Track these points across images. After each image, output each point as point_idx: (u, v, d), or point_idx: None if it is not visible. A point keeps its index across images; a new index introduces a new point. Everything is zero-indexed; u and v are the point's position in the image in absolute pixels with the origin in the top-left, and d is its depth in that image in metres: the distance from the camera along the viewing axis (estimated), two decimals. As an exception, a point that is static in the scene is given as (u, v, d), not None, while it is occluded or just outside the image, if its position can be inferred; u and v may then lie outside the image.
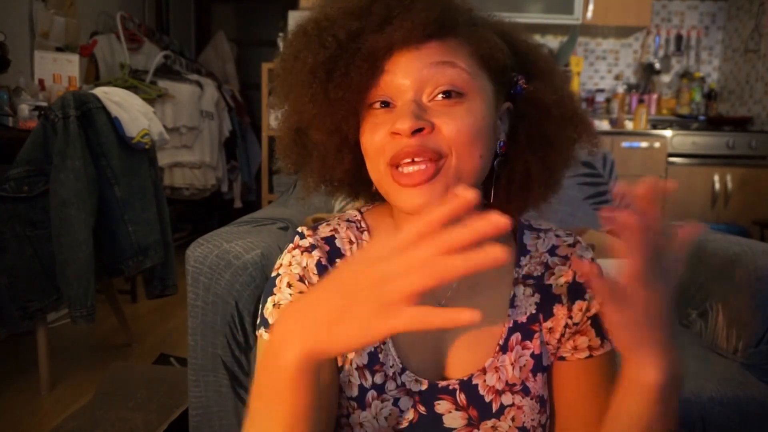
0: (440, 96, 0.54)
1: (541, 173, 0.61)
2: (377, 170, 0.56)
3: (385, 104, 0.55)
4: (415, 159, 0.53)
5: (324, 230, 0.65)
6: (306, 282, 0.61)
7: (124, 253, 1.86)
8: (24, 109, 1.97)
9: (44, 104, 2.02)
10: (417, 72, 0.54)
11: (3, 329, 1.66)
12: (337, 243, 0.63)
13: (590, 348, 0.63)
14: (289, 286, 0.61)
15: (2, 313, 1.66)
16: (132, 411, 1.62)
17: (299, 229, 0.64)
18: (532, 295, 0.63)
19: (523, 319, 0.63)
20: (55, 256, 1.68)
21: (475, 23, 0.58)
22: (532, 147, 0.60)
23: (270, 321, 0.62)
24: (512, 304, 0.63)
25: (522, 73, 0.61)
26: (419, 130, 0.52)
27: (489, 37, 0.57)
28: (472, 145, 0.54)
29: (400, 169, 0.54)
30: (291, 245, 0.63)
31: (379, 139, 0.55)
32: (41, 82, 2.26)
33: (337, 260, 0.62)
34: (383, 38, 0.53)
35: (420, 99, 0.54)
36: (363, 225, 0.66)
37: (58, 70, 2.30)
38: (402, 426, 0.60)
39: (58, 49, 2.61)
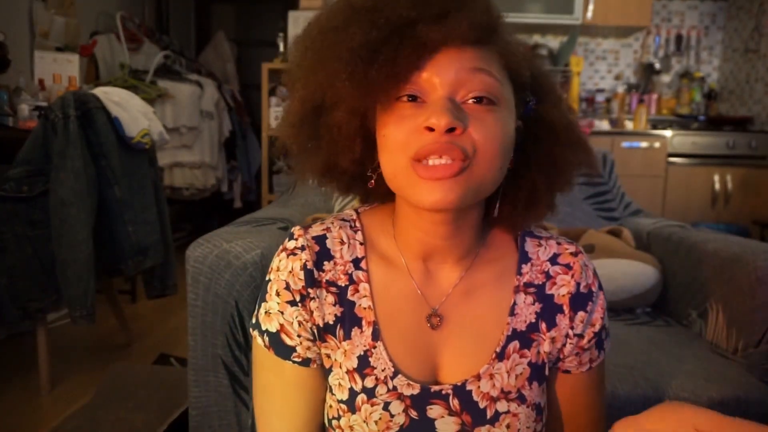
0: (472, 100, 0.53)
1: (545, 193, 0.61)
2: (395, 164, 0.55)
3: (413, 98, 0.54)
4: (443, 156, 0.52)
5: (316, 229, 0.64)
6: (291, 289, 0.61)
7: (124, 253, 1.86)
8: (24, 109, 1.97)
9: (44, 104, 2.02)
10: (454, 73, 0.53)
11: (3, 329, 1.66)
12: (328, 243, 0.63)
13: (590, 361, 0.65)
14: (278, 294, 0.61)
15: (2, 313, 1.65)
16: (132, 411, 1.62)
17: (292, 230, 0.64)
18: (533, 304, 0.63)
19: (522, 327, 0.62)
20: (55, 256, 1.68)
21: (509, 35, 0.58)
22: (539, 167, 0.60)
23: (263, 327, 0.62)
24: (512, 312, 0.62)
25: (533, 94, 0.61)
26: (452, 129, 0.51)
27: (518, 51, 0.57)
28: (497, 155, 0.54)
29: (423, 162, 0.52)
30: (281, 247, 0.63)
31: (404, 133, 0.53)
32: (41, 82, 2.26)
33: (325, 262, 0.62)
34: (438, 32, 0.52)
35: (454, 98, 0.53)
36: (357, 225, 0.65)
37: (58, 70, 2.30)
38: (393, 430, 0.60)
39: (58, 49, 2.60)
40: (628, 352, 1.13)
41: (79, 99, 1.72)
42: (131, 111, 1.89)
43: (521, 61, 0.57)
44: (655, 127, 3.44)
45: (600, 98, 3.79)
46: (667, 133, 3.25)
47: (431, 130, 0.51)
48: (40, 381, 1.78)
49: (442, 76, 0.53)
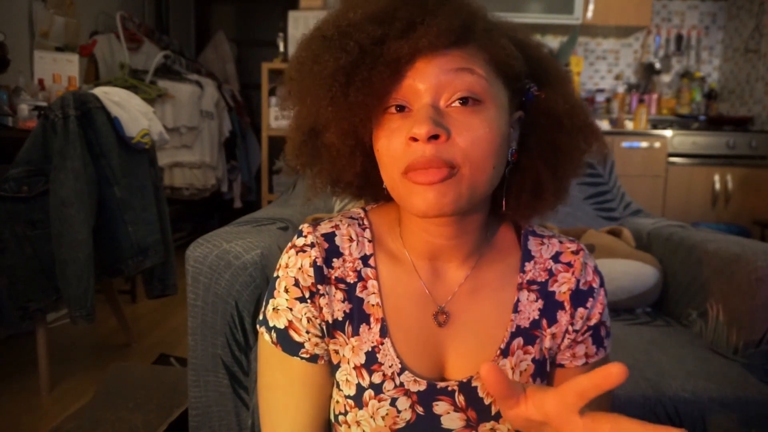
0: (457, 102, 0.53)
1: (551, 182, 0.61)
2: (391, 177, 0.56)
3: (401, 108, 0.55)
4: (429, 169, 0.52)
5: (325, 226, 0.65)
6: (301, 285, 0.61)
7: (123, 253, 1.86)
8: (24, 109, 1.97)
9: (44, 104, 2.02)
10: (435, 77, 0.53)
11: (3, 329, 1.66)
12: (337, 241, 0.63)
13: (586, 355, 0.65)
14: (286, 291, 0.62)
15: (2, 313, 1.65)
16: (132, 411, 1.62)
17: (300, 227, 0.65)
18: (536, 301, 0.64)
19: (525, 324, 0.63)
20: (55, 256, 1.68)
21: (491, 29, 0.58)
22: (543, 156, 0.60)
23: (270, 323, 0.63)
24: (516, 309, 0.63)
25: (534, 80, 0.61)
26: (436, 137, 0.52)
27: (505, 43, 0.57)
28: (486, 157, 0.54)
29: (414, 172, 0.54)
30: (289, 244, 0.64)
31: (395, 146, 0.54)
32: (41, 81, 2.26)
33: (334, 259, 0.62)
34: (407, 45, 0.52)
35: (437, 104, 0.54)
36: (365, 222, 0.66)
37: (58, 70, 2.30)
38: (399, 426, 0.60)
39: (58, 49, 2.61)
40: (628, 352, 1.13)
41: (78, 99, 1.72)
42: (131, 111, 1.89)
43: (510, 53, 0.57)
44: (655, 127, 3.44)
45: (600, 98, 3.79)
46: (668, 133, 3.25)
47: (415, 140, 0.52)
48: (40, 381, 1.78)
49: (425, 81, 0.53)
